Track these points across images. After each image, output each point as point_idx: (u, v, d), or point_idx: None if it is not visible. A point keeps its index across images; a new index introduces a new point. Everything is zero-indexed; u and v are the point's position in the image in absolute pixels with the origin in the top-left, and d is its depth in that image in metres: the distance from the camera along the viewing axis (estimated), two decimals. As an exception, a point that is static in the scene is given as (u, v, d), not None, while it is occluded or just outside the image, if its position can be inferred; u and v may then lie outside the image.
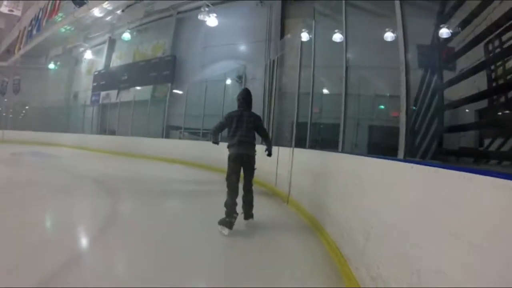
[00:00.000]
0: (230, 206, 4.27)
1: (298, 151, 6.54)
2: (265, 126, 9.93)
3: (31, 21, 19.06)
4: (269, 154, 4.80)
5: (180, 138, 14.80)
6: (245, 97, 4.68)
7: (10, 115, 26.78)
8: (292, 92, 11.09)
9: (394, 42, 10.14)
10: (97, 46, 24.26)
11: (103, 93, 22.03)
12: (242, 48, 14.64)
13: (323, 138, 9.90)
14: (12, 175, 8.77)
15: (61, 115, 25.97)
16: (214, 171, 10.86)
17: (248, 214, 4.65)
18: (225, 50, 15.10)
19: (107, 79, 22.04)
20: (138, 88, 19.19)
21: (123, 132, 18.37)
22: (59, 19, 21.89)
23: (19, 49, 22.36)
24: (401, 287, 1.99)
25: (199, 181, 9.18)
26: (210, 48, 16.05)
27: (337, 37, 9.71)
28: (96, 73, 23.30)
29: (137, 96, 18.42)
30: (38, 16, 18.15)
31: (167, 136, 15.90)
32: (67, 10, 19.58)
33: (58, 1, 16.16)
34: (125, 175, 9.83)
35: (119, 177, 9.21)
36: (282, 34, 13.21)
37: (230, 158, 4.46)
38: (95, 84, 23.06)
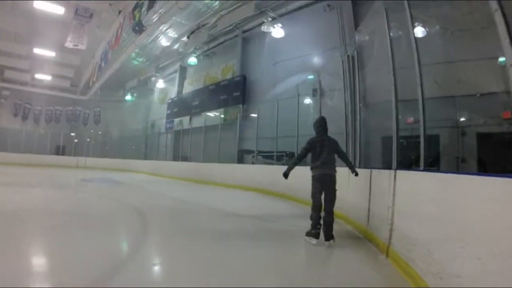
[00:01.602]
0: (315, 220, 4.66)
1: (403, 175, 4.01)
2: (350, 143, 8.28)
3: (101, 55, 19.35)
4: (356, 173, 5.01)
5: (253, 163, 13.35)
6: (323, 124, 5.02)
7: (92, 143, 27.96)
8: (378, 101, 9.29)
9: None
10: (170, 75, 24.31)
11: (176, 120, 21.64)
12: (315, 59, 12.95)
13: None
14: (57, 202, 8.03)
15: (139, 143, 26.60)
16: (288, 199, 9.36)
17: (329, 235, 4.58)
18: (296, 63, 13.49)
19: (179, 106, 21.66)
20: (209, 113, 18.34)
21: (195, 158, 17.49)
22: (133, 54, 22.31)
23: (93, 82, 22.97)
24: None
25: (268, 216, 7.11)
26: (280, 63, 14.59)
27: (419, 31, 7.80)
28: (169, 101, 23.15)
29: (208, 121, 17.46)
30: (106, 50, 18.31)
31: (241, 161, 14.56)
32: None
33: (119, 32, 15.92)
34: (181, 206, 8.49)
35: (172, 209, 8.02)
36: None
37: (314, 178, 4.82)
38: (168, 111, 22.88)
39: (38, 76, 25.89)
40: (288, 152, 11.51)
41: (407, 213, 3.65)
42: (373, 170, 5.12)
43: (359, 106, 8.31)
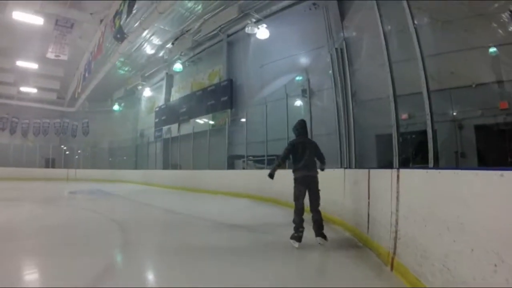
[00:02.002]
0: (298, 223, 4.66)
1: (408, 174, 3.45)
2: (344, 143, 7.94)
3: (85, 65, 18.83)
4: (322, 169, 5.13)
5: (243, 168, 12.87)
6: (303, 127, 5.12)
7: (82, 155, 27.85)
8: (370, 98, 8.93)
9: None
10: (157, 84, 23.83)
11: (164, 128, 21.11)
12: (302, 59, 12.57)
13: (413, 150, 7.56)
14: (41, 218, 7.55)
15: (129, 153, 26.12)
16: (281, 206, 8.82)
17: (319, 233, 4.72)
18: (283, 64, 13.08)
19: (167, 114, 21.16)
20: (198, 119, 17.86)
21: (186, 166, 17.00)
22: (117, 62, 21.81)
23: (78, 94, 22.47)
24: None
25: (261, 226, 6.51)
26: (267, 66, 14.19)
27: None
28: (157, 109, 22.65)
29: (196, 127, 16.98)
30: (89, 60, 17.81)
31: (232, 166, 14.06)
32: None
33: (101, 41, 15.44)
34: (170, 218, 7.94)
35: (159, 221, 7.41)
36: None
37: (297, 180, 4.83)
38: (156, 120, 22.38)
39: (23, 89, 25.27)
40: (279, 156, 11.05)
41: (415, 219, 3.08)
42: (371, 170, 4.61)
43: (351, 103, 7.89)
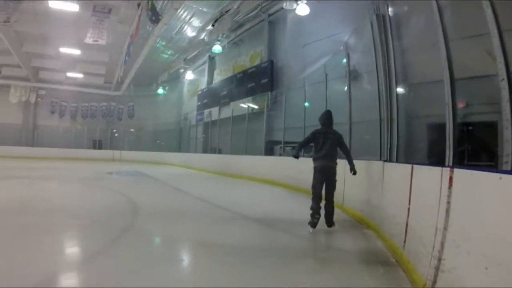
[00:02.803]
0: (315, 210, 4.83)
1: (465, 177, 2.39)
2: (386, 132, 6.89)
3: (125, 50, 18.79)
4: (354, 173, 4.97)
5: (280, 155, 12.08)
6: (329, 117, 5.13)
7: (127, 137, 28.49)
8: (421, 81, 7.76)
9: None
10: (200, 67, 23.46)
11: (206, 111, 20.72)
12: (346, 37, 11.40)
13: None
14: (60, 197, 7.82)
15: (173, 136, 26.16)
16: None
17: (330, 222, 4.90)
18: (326, 44, 11.92)
19: (208, 97, 20.76)
20: (238, 102, 17.20)
21: (225, 150, 16.53)
22: (159, 45, 21.63)
23: (120, 78, 22.71)
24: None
25: (283, 222, 5.71)
26: (309, 45, 13.14)
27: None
28: (199, 92, 22.32)
29: (236, 111, 16.37)
30: (129, 44, 17.71)
31: (270, 152, 13.32)
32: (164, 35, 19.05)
33: (138, 24, 15.16)
34: (189, 205, 7.42)
35: (176, 209, 6.81)
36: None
37: (316, 169, 4.97)
38: (199, 103, 22.09)
39: (70, 74, 25.90)
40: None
41: (470, 251, 2.09)
42: (415, 166, 3.56)
43: (394, 83, 6.75)
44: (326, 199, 4.92)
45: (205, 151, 19.89)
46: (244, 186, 11.36)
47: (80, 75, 26.13)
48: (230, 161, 14.80)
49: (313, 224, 4.77)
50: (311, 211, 4.84)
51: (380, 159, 5.87)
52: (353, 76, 9.80)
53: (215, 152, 17.66)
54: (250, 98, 16.06)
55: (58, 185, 10.08)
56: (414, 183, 3.48)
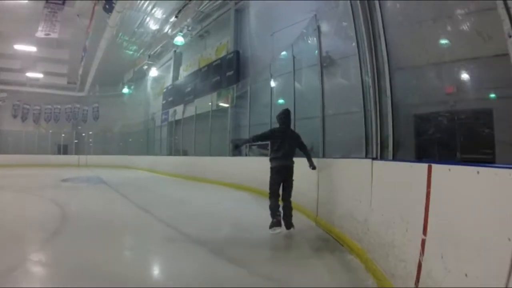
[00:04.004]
0: (274, 208, 4.54)
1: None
2: (373, 124, 5.37)
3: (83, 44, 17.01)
4: (314, 167, 4.77)
5: (246, 155, 10.43)
6: (287, 116, 4.89)
7: (93, 141, 26.37)
8: (405, 65, 6.29)
9: None
10: (166, 63, 21.59)
11: (171, 110, 18.86)
12: (319, 21, 9.89)
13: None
14: None
15: (140, 138, 24.13)
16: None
17: (289, 224, 4.63)
18: (297, 30, 10.43)
19: (174, 95, 18.94)
20: (202, 99, 15.45)
21: (190, 151, 14.79)
22: (122, 41, 19.79)
23: (80, 76, 20.78)
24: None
25: (234, 244, 4.23)
26: (278, 33, 11.58)
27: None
28: (165, 90, 20.46)
29: (200, 108, 14.63)
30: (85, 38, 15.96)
31: (235, 152, 11.68)
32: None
33: (92, 16, 13.44)
34: (124, 218, 5.88)
35: (104, 221, 5.42)
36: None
37: (274, 169, 4.69)
38: (164, 102, 20.23)
39: (30, 74, 23.86)
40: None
41: None
42: (435, 165, 2.07)
43: (387, 68, 5.17)
44: (283, 200, 4.69)
45: (170, 153, 18.04)
46: (202, 191, 9.73)
47: (41, 75, 24.16)
48: (194, 163, 13.10)
49: (278, 222, 4.46)
50: (270, 211, 4.55)
51: (366, 156, 4.28)
52: (327, 63, 8.30)
53: (178, 154, 15.89)
54: (215, 94, 14.35)
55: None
56: (435, 191, 1.90)
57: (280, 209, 4.56)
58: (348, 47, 8.96)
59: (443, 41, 5.37)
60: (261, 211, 5.54)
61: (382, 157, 3.55)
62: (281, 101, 10.34)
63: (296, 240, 4.41)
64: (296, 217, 5.32)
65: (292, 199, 6.17)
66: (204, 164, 12.23)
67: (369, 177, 3.32)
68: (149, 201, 7.91)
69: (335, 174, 4.59)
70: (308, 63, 9.67)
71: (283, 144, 4.65)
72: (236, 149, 5.34)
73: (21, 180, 12.49)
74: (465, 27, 4.98)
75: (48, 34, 15.26)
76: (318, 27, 6.47)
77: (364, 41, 4.52)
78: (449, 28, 5.28)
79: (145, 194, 9.57)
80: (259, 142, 5.64)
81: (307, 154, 4.87)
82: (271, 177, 4.68)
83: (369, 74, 4.04)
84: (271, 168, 4.70)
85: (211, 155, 12.24)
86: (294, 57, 7.88)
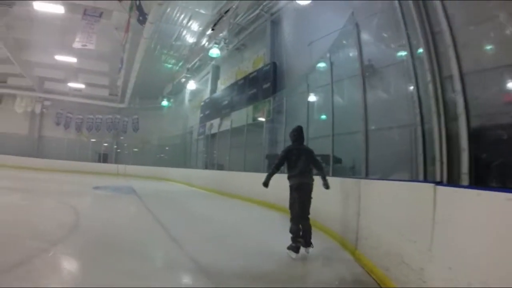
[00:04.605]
0: (295, 232, 4.40)
1: None
2: (440, 135, 4.55)
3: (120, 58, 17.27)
4: (327, 187, 4.69)
5: (281, 172, 9.68)
6: (300, 133, 4.84)
7: (132, 151, 26.91)
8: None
9: None
10: (205, 77, 21.48)
11: (208, 124, 18.57)
12: (363, 31, 9.11)
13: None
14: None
15: (178, 150, 24.10)
16: (319, 230, 5.80)
17: (308, 242, 4.48)
18: (335, 39, 9.74)
19: (211, 108, 18.65)
20: (238, 112, 14.97)
21: (225, 166, 14.31)
22: (159, 54, 19.95)
23: (118, 88, 21.17)
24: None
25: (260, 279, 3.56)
26: (316, 43, 10.92)
27: None
28: (202, 103, 20.27)
29: (236, 122, 14.14)
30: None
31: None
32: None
33: (127, 27, 13.49)
34: (134, 237, 5.19)
35: (112, 241, 4.80)
36: None
37: (292, 187, 4.60)
38: (201, 115, 20.00)
39: (72, 85, 24.78)
40: (323, 155, 7.80)
41: None
42: None
43: (458, 69, 4.22)
44: (302, 217, 4.49)
45: (205, 167, 17.67)
46: (231, 209, 9.29)
47: (82, 86, 24.98)
48: (227, 178, 12.59)
49: (296, 248, 4.35)
50: (291, 235, 4.41)
51: (425, 180, 3.39)
52: (369, 72, 7.56)
53: (214, 168, 15.45)
54: (251, 106, 13.81)
55: (21, 198, 8.69)
56: None
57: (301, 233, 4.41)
58: (391, 55, 8.24)
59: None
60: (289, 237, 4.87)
61: (452, 181, 2.74)
62: (323, 116, 9.65)
63: (330, 278, 3.67)
64: (332, 248, 4.95)
65: (329, 225, 5.44)
66: (237, 179, 11.68)
67: (430, 209, 2.53)
68: (172, 216, 7.51)
69: (381, 200, 3.81)
70: (348, 73, 8.97)
71: (298, 161, 4.58)
72: (267, 187, 4.69)
73: (53, 185, 12.65)
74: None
75: (85, 45, 15.52)
76: (357, 25, 5.66)
77: (422, 44, 3.72)
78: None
79: (171, 208, 9.20)
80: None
81: (322, 171, 4.74)
82: (290, 196, 4.59)
83: (431, 82, 3.18)
84: (290, 186, 4.61)
85: (245, 170, 11.64)
86: (332, 64, 7.14)
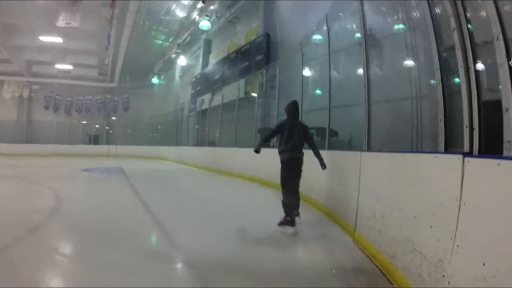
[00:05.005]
0: (288, 205, 4.30)
1: None
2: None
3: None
4: (324, 167, 4.55)
5: (273, 146, 9.11)
6: (295, 108, 4.71)
7: (123, 131, 26.08)
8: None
9: None
10: (196, 52, 20.60)
11: (198, 100, 17.87)
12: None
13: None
14: None
15: (170, 128, 23.25)
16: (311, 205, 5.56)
17: (296, 212, 4.33)
18: (334, 7, 9.03)
19: (202, 84, 17.95)
20: (229, 87, 14.27)
21: (217, 143, 13.73)
22: (148, 29, 19.02)
23: (105, 66, 20.27)
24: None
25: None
26: (312, 13, 10.24)
27: None
28: (193, 79, 19.51)
29: (226, 97, 13.48)
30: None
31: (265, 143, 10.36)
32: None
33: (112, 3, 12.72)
34: (119, 223, 4.64)
35: (95, 228, 4.21)
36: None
37: (283, 162, 4.51)
38: (192, 91, 19.30)
39: (60, 66, 23.76)
40: (319, 128, 7.25)
41: None
42: None
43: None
44: (292, 191, 4.44)
45: (197, 144, 17.09)
46: (222, 187, 8.86)
47: (70, 67, 23.96)
48: (219, 155, 12.07)
49: (292, 222, 4.22)
50: (284, 208, 4.33)
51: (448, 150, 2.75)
52: (370, 42, 6.90)
53: (205, 145, 14.88)
54: (243, 80, 13.13)
55: (8, 185, 8.10)
56: None
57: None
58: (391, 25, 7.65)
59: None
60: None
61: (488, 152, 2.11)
62: (318, 91, 9.08)
63: (326, 267, 3.14)
64: (328, 227, 4.58)
65: (325, 203, 5.01)
66: (229, 155, 11.16)
67: (455, 187, 2.00)
68: (158, 198, 6.95)
69: (388, 176, 3.27)
70: (344, 44, 8.41)
71: (292, 136, 4.44)
72: (259, 152, 4.63)
73: (41, 170, 12.02)
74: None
75: (69, 23, 14.76)
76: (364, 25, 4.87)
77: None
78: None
79: (158, 189, 8.66)
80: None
81: (316, 149, 4.60)
82: (281, 170, 4.49)
83: (458, 43, 2.52)
84: (281, 160, 4.51)
85: (237, 146, 11.09)
86: (329, 30, 6.50)
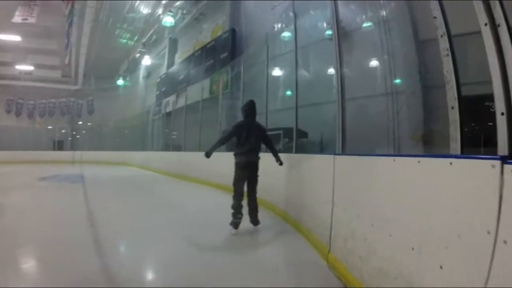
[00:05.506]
0: (237, 208, 4.19)
1: None
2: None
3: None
4: (280, 163, 4.42)
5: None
6: (252, 108, 4.43)
7: (88, 136, 24.71)
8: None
9: None
10: (162, 52, 19.53)
11: (164, 102, 16.79)
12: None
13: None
14: None
15: (136, 132, 21.91)
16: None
17: (256, 220, 4.35)
18: (303, 3, 8.29)
19: (167, 85, 16.92)
20: (194, 87, 13.30)
21: (183, 146, 12.76)
22: (111, 28, 17.85)
23: (67, 65, 18.93)
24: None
25: None
26: (281, 6, 9.55)
27: None
28: (158, 80, 18.43)
29: (190, 98, 12.50)
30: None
31: (230, 148, 9.53)
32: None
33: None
34: (47, 239, 3.66)
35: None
36: None
37: (238, 165, 4.32)
38: (157, 92, 18.24)
39: (21, 67, 22.38)
40: (286, 129, 6.53)
41: None
42: None
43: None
44: (249, 196, 4.28)
45: (163, 148, 16.00)
46: (187, 195, 7.84)
47: (31, 67, 22.60)
48: (183, 160, 11.14)
49: (236, 224, 4.12)
50: (232, 210, 4.18)
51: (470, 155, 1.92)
52: (343, 35, 6.18)
53: (168, 150, 13.89)
54: (208, 80, 12.22)
55: None
56: None
57: (242, 210, 4.18)
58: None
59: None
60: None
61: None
62: (288, 92, 8.35)
63: None
64: (299, 245, 3.74)
65: (295, 215, 4.24)
66: (193, 160, 10.25)
67: (487, 204, 1.23)
68: (109, 208, 6.08)
69: (369, 186, 2.49)
70: (313, 39, 7.74)
71: (249, 138, 4.21)
72: (209, 157, 4.12)
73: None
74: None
75: (26, 19, 13.56)
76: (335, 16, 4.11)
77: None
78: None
79: (113, 200, 7.59)
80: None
81: (273, 149, 4.46)
82: (235, 173, 4.29)
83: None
84: (236, 163, 4.29)
85: (201, 150, 10.21)
86: (295, 18, 5.75)
